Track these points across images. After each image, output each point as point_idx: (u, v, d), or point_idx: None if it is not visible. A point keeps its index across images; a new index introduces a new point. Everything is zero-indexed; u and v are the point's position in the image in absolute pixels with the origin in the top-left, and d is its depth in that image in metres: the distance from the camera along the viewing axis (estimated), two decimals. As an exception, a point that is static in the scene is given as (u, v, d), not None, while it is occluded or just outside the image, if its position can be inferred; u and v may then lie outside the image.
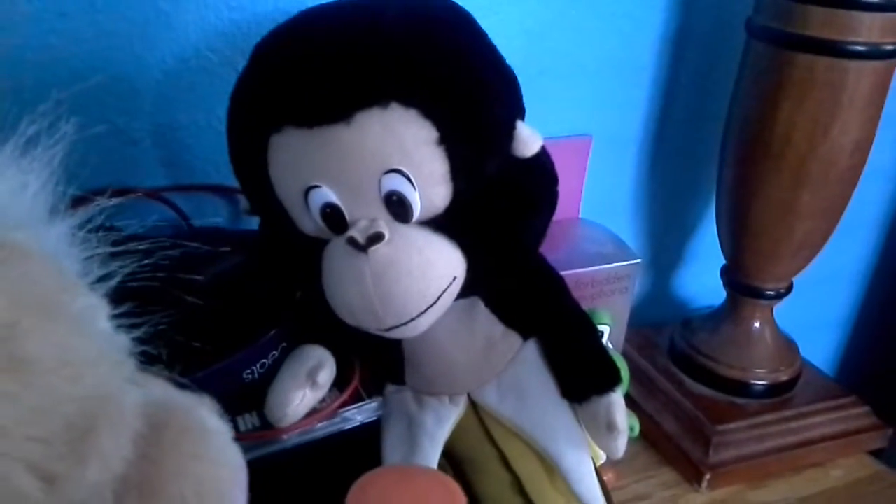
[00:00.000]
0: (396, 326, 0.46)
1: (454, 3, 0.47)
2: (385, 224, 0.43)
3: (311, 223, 0.45)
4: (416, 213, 0.44)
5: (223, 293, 0.50)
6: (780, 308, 0.75)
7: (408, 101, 0.42)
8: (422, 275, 0.44)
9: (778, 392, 0.74)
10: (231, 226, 0.64)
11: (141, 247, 0.31)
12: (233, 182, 0.49)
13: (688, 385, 0.75)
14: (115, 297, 0.28)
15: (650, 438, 0.72)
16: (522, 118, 0.48)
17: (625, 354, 0.70)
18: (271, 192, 0.45)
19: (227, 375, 0.50)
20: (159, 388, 0.28)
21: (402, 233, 0.44)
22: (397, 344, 0.51)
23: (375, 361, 0.54)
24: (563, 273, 0.55)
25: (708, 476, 0.68)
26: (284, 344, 0.53)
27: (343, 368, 0.52)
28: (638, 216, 0.85)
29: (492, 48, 0.47)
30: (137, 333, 0.28)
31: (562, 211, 0.51)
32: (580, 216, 0.77)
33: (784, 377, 0.75)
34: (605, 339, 0.64)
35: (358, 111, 0.41)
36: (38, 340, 0.22)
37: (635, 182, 0.82)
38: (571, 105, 0.74)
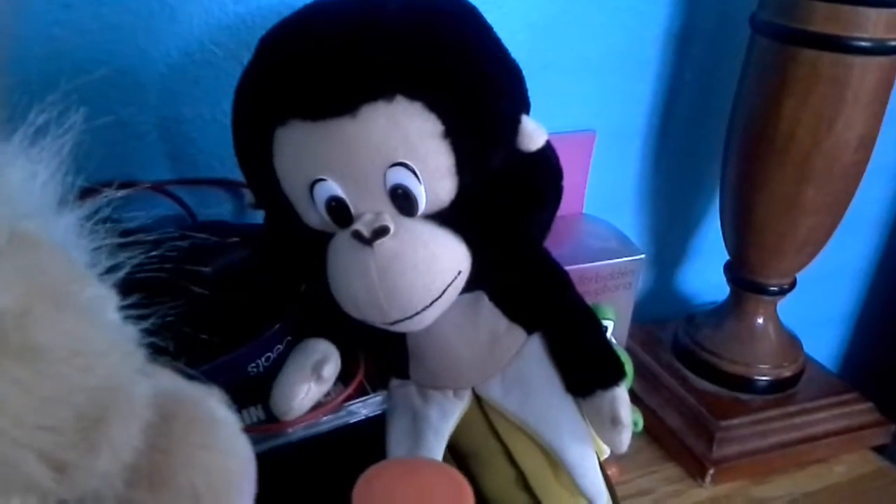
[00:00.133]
0: (401, 320, 0.46)
1: (460, -4, 0.47)
2: (390, 218, 0.43)
3: (316, 217, 0.45)
4: (422, 206, 0.44)
5: (228, 286, 0.50)
6: (783, 304, 0.75)
7: (413, 94, 0.42)
8: (427, 268, 0.44)
9: (781, 388, 0.74)
10: (236, 219, 0.64)
11: (148, 238, 0.31)
12: (238, 176, 0.49)
13: (691, 381, 0.75)
14: (123, 288, 0.29)
15: (654, 434, 0.72)
16: (528, 112, 0.47)
17: (628, 350, 0.70)
18: (276, 185, 0.45)
19: (232, 369, 0.50)
20: (168, 379, 0.28)
21: (407, 226, 0.44)
22: (402, 338, 0.52)
23: (380, 355, 0.54)
24: (566, 268, 0.55)
25: (711, 471, 0.68)
26: (289, 337, 0.53)
27: (348, 362, 0.52)
28: (641, 212, 0.85)
29: (497, 41, 0.47)
30: (145, 325, 0.28)
31: (565, 206, 0.51)
32: (584, 211, 0.77)
33: (787, 373, 0.74)
34: (608, 335, 0.64)
35: (363, 104, 0.41)
36: (49, 329, 0.22)
37: (639, 177, 0.82)
38: (575, 100, 0.74)
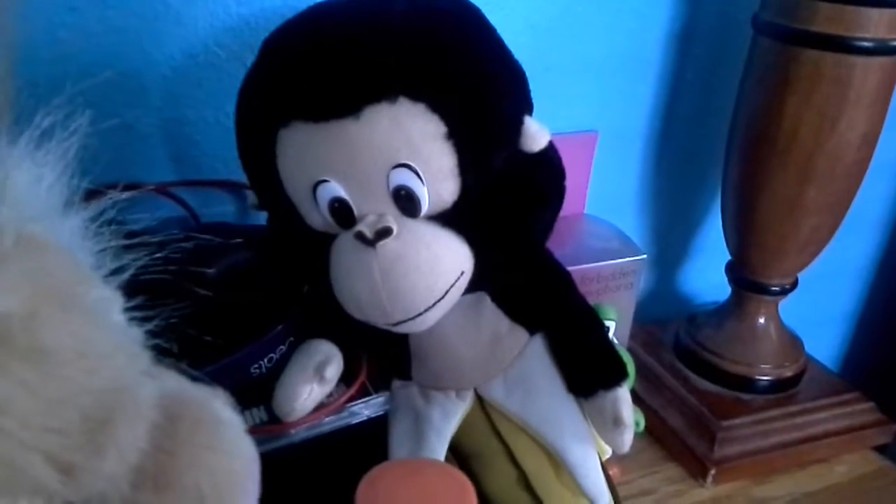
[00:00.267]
0: (404, 321, 0.46)
1: (463, -2, 0.47)
2: (393, 219, 0.44)
3: (319, 218, 0.46)
4: (424, 207, 0.44)
5: (231, 288, 0.50)
6: (784, 304, 0.75)
7: (416, 96, 0.42)
8: (430, 269, 0.44)
9: (783, 388, 0.74)
10: (239, 221, 0.64)
11: (153, 240, 0.31)
12: (241, 177, 0.50)
13: (693, 381, 0.75)
14: (127, 290, 0.29)
15: (655, 434, 0.72)
16: (530, 113, 0.48)
17: (630, 350, 0.70)
18: (280, 186, 0.46)
19: (235, 370, 0.50)
20: (174, 381, 0.28)
21: (410, 227, 0.44)
22: (404, 339, 0.52)
23: (382, 356, 0.54)
24: (568, 269, 0.55)
25: (713, 471, 0.68)
26: (292, 338, 0.53)
27: (350, 363, 0.53)
28: (643, 212, 0.85)
29: (500, 43, 0.47)
30: (149, 326, 0.29)
31: (567, 207, 0.51)
32: (585, 212, 0.77)
33: (789, 373, 0.75)
34: (610, 335, 0.64)
35: (366, 106, 0.41)
36: (55, 332, 0.22)
37: (641, 178, 0.82)
38: (577, 101, 0.74)
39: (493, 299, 0.52)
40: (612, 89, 0.75)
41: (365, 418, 0.52)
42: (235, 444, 0.28)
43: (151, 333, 0.28)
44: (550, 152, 0.48)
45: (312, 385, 0.49)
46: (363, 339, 0.52)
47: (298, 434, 0.49)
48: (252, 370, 0.51)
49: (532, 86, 0.48)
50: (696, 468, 0.69)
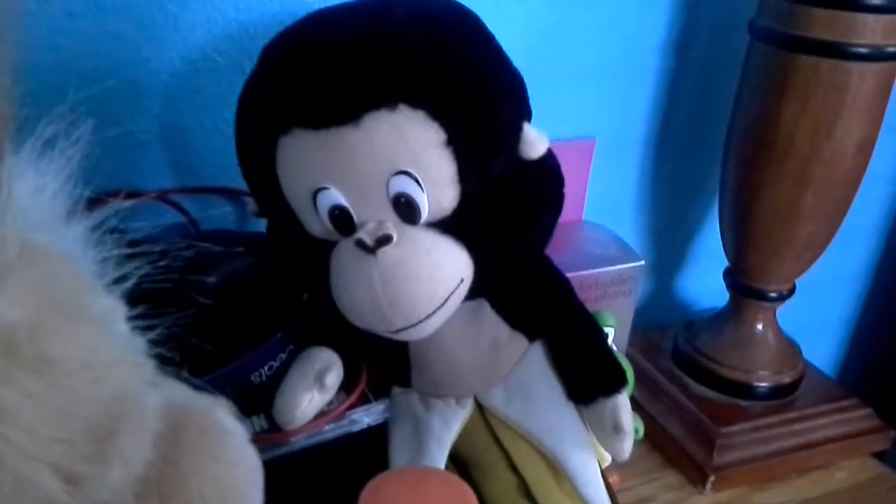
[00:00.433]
0: (405, 328, 0.46)
1: (461, 5, 0.47)
2: (393, 226, 0.44)
3: (319, 225, 0.46)
4: (424, 214, 0.44)
5: (231, 295, 0.50)
6: (782, 310, 0.75)
7: (416, 103, 0.42)
8: (430, 277, 0.44)
9: (781, 394, 0.74)
10: (239, 228, 0.64)
11: (155, 248, 0.31)
12: (240, 184, 0.49)
13: (691, 387, 0.75)
14: (129, 299, 0.29)
15: (654, 441, 0.72)
16: (529, 120, 0.48)
17: (628, 357, 0.70)
18: (279, 193, 0.46)
19: (235, 378, 0.50)
20: (178, 390, 0.28)
21: (409, 235, 0.44)
22: (404, 346, 0.51)
23: (382, 363, 0.54)
24: (566, 275, 0.55)
25: (712, 478, 0.68)
26: (292, 346, 0.53)
27: (350, 370, 0.52)
28: (641, 218, 0.85)
29: (499, 50, 0.47)
30: (151, 335, 0.28)
31: (565, 213, 0.51)
32: (583, 218, 0.77)
33: (787, 379, 0.75)
34: (609, 342, 0.64)
35: (366, 113, 0.41)
36: (61, 342, 0.22)
37: (638, 184, 0.83)
38: (575, 107, 0.74)
39: (493, 306, 0.52)
40: (610, 96, 0.75)
41: (365, 426, 0.52)
42: (240, 454, 0.28)
43: (153, 342, 0.28)
44: (549, 159, 0.49)
45: (313, 393, 0.49)
46: (363, 347, 0.52)
47: (298, 442, 0.49)
48: (252, 378, 0.51)
49: (530, 92, 0.48)
50: (696, 475, 0.69)
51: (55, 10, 0.53)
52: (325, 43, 0.43)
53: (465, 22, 0.46)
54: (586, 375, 0.52)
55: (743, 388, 0.73)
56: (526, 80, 0.47)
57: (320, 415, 0.50)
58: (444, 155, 0.43)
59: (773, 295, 0.73)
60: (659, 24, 0.74)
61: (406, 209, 0.44)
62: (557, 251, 0.54)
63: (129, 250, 0.30)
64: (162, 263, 0.31)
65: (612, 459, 0.53)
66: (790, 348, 0.77)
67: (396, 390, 0.54)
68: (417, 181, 0.43)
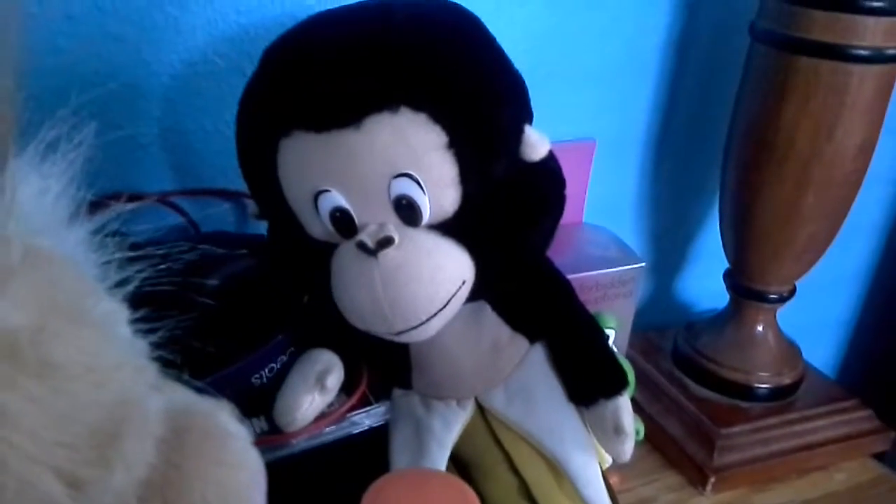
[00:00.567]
0: (406, 330, 0.46)
1: (463, 7, 0.47)
2: (394, 228, 0.44)
3: (320, 227, 0.46)
4: (426, 217, 0.44)
5: (232, 297, 0.50)
6: (782, 311, 0.75)
7: (417, 106, 0.42)
8: (431, 279, 0.44)
9: (781, 395, 0.74)
10: (239, 230, 0.64)
11: (158, 251, 0.31)
12: (241, 187, 0.49)
13: (692, 389, 0.75)
14: (131, 302, 0.29)
15: (655, 442, 0.72)
16: (530, 122, 0.48)
17: (628, 358, 0.70)
18: (280, 196, 0.46)
19: (235, 380, 0.50)
20: (180, 393, 0.28)
21: (411, 237, 0.44)
22: (404, 348, 0.51)
23: (383, 365, 0.54)
24: (567, 277, 0.55)
25: (712, 479, 0.68)
26: (293, 348, 0.53)
27: (350, 372, 0.52)
28: (641, 220, 0.85)
29: (500, 52, 0.47)
30: (152, 338, 0.28)
31: (566, 215, 0.51)
32: (584, 220, 0.77)
33: (787, 380, 0.75)
34: (609, 343, 0.64)
35: (367, 116, 0.41)
36: (64, 346, 0.22)
37: (639, 186, 0.83)
38: (575, 109, 0.74)
39: (494, 308, 0.52)
40: (611, 97, 0.75)
41: (366, 428, 0.52)
42: (242, 457, 0.28)
43: (155, 345, 0.28)
44: (550, 161, 0.49)
45: (314, 395, 0.49)
46: (364, 349, 0.52)
47: (299, 444, 0.49)
48: (253, 380, 0.51)
49: (531, 94, 0.48)
50: (696, 476, 0.69)
51: (54, 12, 0.53)
52: (327, 45, 0.43)
53: (466, 24, 0.46)
54: (587, 377, 0.52)
55: (743, 390, 0.73)
56: (527, 82, 0.47)
57: (321, 417, 0.50)
58: (446, 157, 0.43)
59: (774, 296, 0.73)
60: (659, 26, 0.74)
61: (407, 211, 0.44)
62: (558, 253, 0.54)
63: (131, 253, 0.30)
64: (163, 266, 0.31)
65: (613, 461, 0.53)
66: (790, 349, 0.77)
67: (397, 392, 0.54)
68: (419, 183, 0.43)
